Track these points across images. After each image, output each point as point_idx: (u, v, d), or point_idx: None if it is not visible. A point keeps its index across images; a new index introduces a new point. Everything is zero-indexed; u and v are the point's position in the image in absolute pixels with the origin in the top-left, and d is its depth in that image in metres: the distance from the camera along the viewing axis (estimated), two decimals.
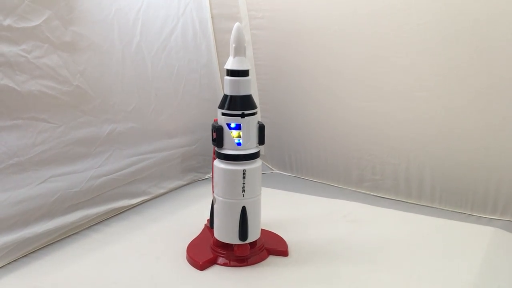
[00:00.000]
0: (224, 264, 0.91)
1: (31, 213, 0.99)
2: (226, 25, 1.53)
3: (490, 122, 1.11)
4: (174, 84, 1.40)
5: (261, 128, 0.89)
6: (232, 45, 0.84)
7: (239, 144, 0.87)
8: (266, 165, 1.62)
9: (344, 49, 1.30)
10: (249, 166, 0.87)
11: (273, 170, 1.61)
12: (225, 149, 0.87)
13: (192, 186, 1.47)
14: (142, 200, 1.30)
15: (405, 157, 1.27)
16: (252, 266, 0.90)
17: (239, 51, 0.85)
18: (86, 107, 1.12)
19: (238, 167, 0.86)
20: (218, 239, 0.91)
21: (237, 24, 0.85)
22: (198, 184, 1.49)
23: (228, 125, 0.86)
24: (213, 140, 0.89)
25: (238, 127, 0.86)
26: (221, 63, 1.58)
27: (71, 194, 1.08)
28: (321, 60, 1.37)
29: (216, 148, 0.89)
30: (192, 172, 1.52)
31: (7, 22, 0.93)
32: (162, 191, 1.38)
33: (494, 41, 1.06)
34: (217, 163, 0.89)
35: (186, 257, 0.93)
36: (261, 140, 0.90)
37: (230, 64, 0.85)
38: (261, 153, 1.63)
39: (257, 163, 0.89)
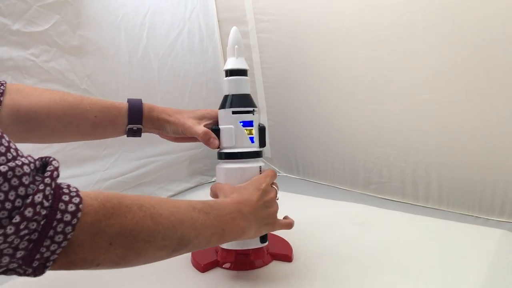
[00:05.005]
0: (227, 267, 0.90)
1: None
2: None
3: (498, 124, 1.10)
4: (180, 87, 1.41)
5: (262, 130, 0.88)
6: (235, 46, 0.86)
7: (252, 141, 0.86)
8: (273, 168, 1.62)
9: (350, 52, 1.30)
10: (262, 163, 0.87)
11: (279, 173, 1.61)
12: (237, 147, 0.85)
13: (199, 188, 1.48)
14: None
15: (412, 159, 1.27)
16: (256, 269, 0.90)
17: (242, 52, 0.87)
18: None
19: (255, 164, 0.85)
20: (237, 248, 0.86)
21: (234, 27, 0.89)
22: (205, 186, 1.49)
23: (247, 122, 0.85)
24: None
25: (251, 124, 0.85)
26: None
27: None
28: (327, 64, 1.37)
29: (230, 149, 0.86)
30: (199, 175, 1.52)
31: (16, 26, 0.94)
32: (169, 193, 1.38)
33: (503, 43, 1.05)
34: (230, 164, 0.85)
35: (190, 259, 0.93)
36: (262, 142, 0.89)
37: (239, 64, 0.86)
38: (268, 155, 1.64)
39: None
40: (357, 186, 1.41)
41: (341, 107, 1.38)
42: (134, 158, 1.26)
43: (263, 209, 0.76)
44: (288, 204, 1.28)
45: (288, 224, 0.84)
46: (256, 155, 0.85)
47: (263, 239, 0.85)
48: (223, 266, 0.90)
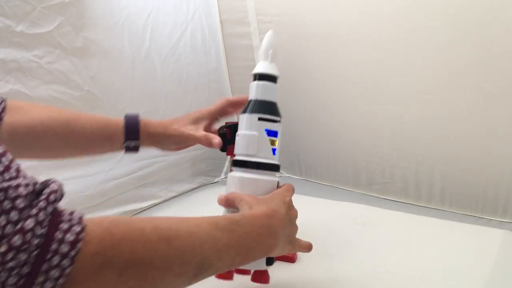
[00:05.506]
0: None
1: None
2: (235, 30, 1.54)
3: (501, 124, 1.10)
4: (183, 88, 1.42)
5: None
6: (270, 51, 0.80)
7: (274, 153, 0.78)
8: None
9: (352, 53, 1.30)
10: (279, 179, 0.79)
11: (282, 174, 1.61)
12: (258, 157, 0.76)
13: (202, 189, 1.48)
14: (153, 204, 1.31)
15: (415, 160, 1.27)
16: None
17: (275, 57, 0.81)
18: (96, 112, 1.13)
19: (274, 178, 0.77)
20: (244, 267, 0.77)
21: (270, 31, 0.82)
22: (207, 187, 1.50)
23: (272, 132, 0.77)
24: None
25: (275, 134, 0.78)
26: (230, 67, 1.59)
27: (82, 197, 1.09)
28: (329, 64, 1.37)
29: (250, 158, 0.76)
30: (202, 176, 1.52)
31: (20, 28, 0.94)
32: (172, 194, 1.39)
33: (504, 44, 1.05)
34: (248, 173, 0.76)
35: None
36: None
37: (272, 69, 0.79)
38: None
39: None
40: (360, 187, 1.41)
41: (343, 108, 1.38)
42: (137, 159, 1.26)
43: (289, 225, 0.70)
44: None
45: (308, 246, 0.76)
46: (276, 168, 0.78)
47: (269, 260, 0.74)
48: None
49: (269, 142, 0.77)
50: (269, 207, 0.66)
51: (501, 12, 1.02)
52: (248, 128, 0.77)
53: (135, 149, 0.84)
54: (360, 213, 1.19)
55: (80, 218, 0.42)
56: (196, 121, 0.87)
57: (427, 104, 1.19)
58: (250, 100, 0.79)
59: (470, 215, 1.19)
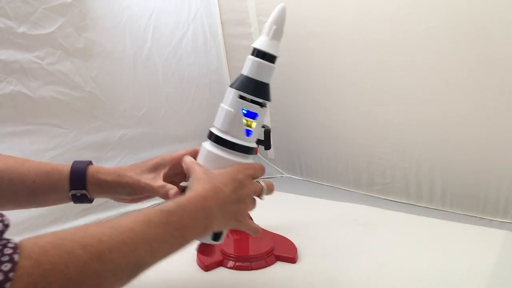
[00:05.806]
0: (230, 267, 0.90)
1: (43, 217, 1.00)
2: (236, 31, 1.54)
3: (502, 125, 1.10)
4: (184, 89, 1.42)
5: (267, 133, 0.85)
6: (273, 27, 0.74)
7: (248, 134, 0.74)
8: (276, 169, 1.63)
9: (352, 53, 1.30)
10: (251, 161, 0.76)
11: (283, 174, 1.62)
12: (229, 135, 0.73)
13: None
14: (153, 205, 1.31)
15: (416, 160, 1.27)
16: (259, 270, 0.90)
17: (279, 34, 0.75)
18: (98, 113, 1.14)
19: (241, 159, 0.73)
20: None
21: (282, 5, 0.76)
22: None
23: (250, 113, 0.74)
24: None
25: (254, 116, 0.74)
26: (231, 68, 1.59)
27: None
28: (330, 65, 1.37)
29: (221, 133, 0.73)
30: None
31: (22, 29, 0.95)
32: None
33: (505, 46, 1.05)
34: (215, 149, 0.73)
35: (196, 258, 0.93)
36: (267, 145, 0.86)
37: (269, 47, 0.74)
38: (271, 157, 1.65)
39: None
40: (361, 187, 1.41)
41: (344, 108, 1.38)
42: (138, 160, 1.25)
43: (234, 203, 0.68)
44: (291, 205, 1.28)
45: (254, 229, 0.74)
46: (245, 150, 0.74)
47: (216, 237, 0.73)
48: (227, 266, 0.90)
49: (244, 123, 0.73)
50: (209, 185, 0.66)
51: (502, 14, 1.02)
52: (227, 103, 0.73)
53: (84, 199, 0.76)
54: (361, 213, 1.19)
55: (12, 253, 0.41)
56: (155, 168, 0.78)
57: (428, 105, 1.19)
58: (241, 75, 0.75)
59: (471, 216, 1.19)
